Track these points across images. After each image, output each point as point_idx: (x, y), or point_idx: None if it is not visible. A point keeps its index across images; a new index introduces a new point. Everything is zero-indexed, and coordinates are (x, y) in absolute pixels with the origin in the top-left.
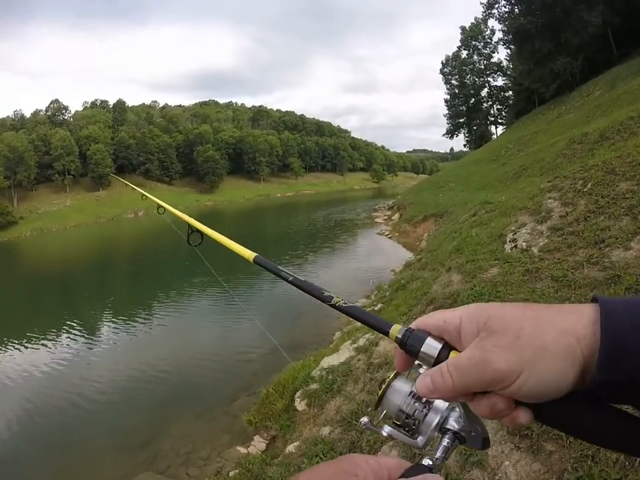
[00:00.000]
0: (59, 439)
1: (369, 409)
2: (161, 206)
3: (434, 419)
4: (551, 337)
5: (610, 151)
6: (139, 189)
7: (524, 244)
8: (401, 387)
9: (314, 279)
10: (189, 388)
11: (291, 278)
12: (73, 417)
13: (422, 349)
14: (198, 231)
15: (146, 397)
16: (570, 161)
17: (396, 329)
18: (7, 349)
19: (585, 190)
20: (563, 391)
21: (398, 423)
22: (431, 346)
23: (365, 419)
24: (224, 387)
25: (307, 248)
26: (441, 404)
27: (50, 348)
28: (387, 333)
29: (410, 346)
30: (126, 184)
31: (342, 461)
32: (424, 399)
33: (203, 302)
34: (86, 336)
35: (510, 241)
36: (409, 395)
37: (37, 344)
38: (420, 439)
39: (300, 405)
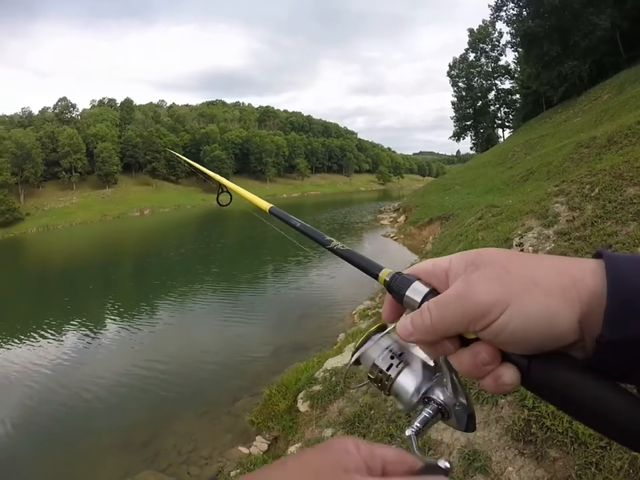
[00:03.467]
0: (60, 436)
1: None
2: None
3: (409, 380)
4: (543, 273)
5: (618, 156)
6: None
7: (530, 248)
8: (381, 341)
9: (318, 281)
10: (191, 387)
11: (298, 224)
12: (75, 414)
13: (407, 293)
14: (227, 190)
15: (148, 395)
16: (577, 165)
17: (385, 272)
18: (10, 344)
19: (593, 195)
20: (554, 338)
21: (372, 377)
22: (417, 290)
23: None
24: (227, 386)
25: (311, 251)
26: (418, 366)
27: (53, 344)
28: (376, 277)
29: (396, 288)
30: None
31: (331, 447)
32: (401, 354)
33: (207, 302)
34: (89, 333)
35: (516, 245)
36: (387, 349)
37: (40, 340)
38: (399, 403)
39: (302, 406)
